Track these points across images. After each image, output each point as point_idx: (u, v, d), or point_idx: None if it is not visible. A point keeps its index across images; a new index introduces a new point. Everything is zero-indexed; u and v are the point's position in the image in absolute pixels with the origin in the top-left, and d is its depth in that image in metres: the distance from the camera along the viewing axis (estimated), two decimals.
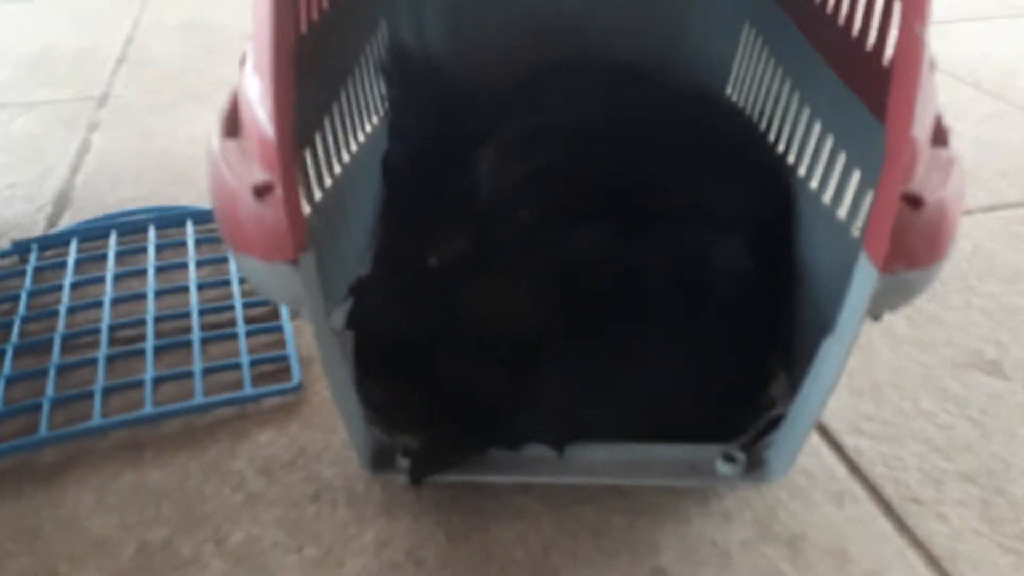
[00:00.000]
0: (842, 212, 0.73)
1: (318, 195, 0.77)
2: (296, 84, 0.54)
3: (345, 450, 0.72)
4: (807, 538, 0.65)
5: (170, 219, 1.01)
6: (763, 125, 0.93)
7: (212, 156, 0.54)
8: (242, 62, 0.56)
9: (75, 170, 1.16)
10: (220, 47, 1.61)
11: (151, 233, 0.99)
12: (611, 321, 0.66)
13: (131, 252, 0.97)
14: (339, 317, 0.74)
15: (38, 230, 1.03)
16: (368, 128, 0.96)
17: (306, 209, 0.74)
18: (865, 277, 0.52)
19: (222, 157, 0.53)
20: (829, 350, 0.57)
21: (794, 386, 0.72)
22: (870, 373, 0.82)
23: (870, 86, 0.70)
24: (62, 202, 1.09)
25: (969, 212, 1.07)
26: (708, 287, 0.69)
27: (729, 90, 1.06)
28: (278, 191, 0.49)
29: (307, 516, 0.67)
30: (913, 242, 0.50)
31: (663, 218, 0.74)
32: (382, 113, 1.01)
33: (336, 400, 0.60)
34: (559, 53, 1.06)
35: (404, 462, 0.64)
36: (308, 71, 0.73)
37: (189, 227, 1.00)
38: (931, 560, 0.64)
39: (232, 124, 0.56)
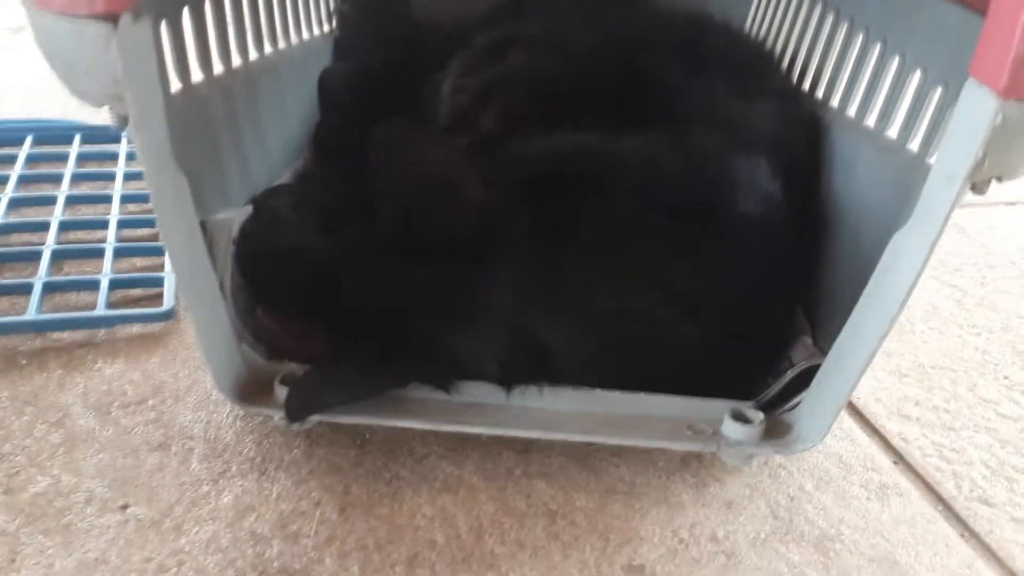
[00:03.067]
0: (893, 131, 0.57)
1: (219, 68, 0.60)
2: None
3: (217, 391, 0.53)
4: (842, 539, 0.47)
5: (55, 132, 0.83)
6: (785, 62, 0.77)
7: None
8: None
9: None
10: None
11: (26, 143, 0.80)
12: (592, 224, 0.48)
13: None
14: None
15: None
16: (305, 35, 0.79)
17: (197, 73, 0.56)
18: (975, 112, 0.35)
19: None
20: (902, 243, 0.40)
21: (823, 349, 0.55)
22: (914, 355, 0.64)
23: None
24: None
25: (1011, 204, 0.91)
26: (726, 201, 0.51)
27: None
28: None
29: (145, 467, 0.47)
30: None
31: (668, 124, 0.57)
32: (326, 28, 0.84)
33: (183, 288, 0.41)
34: None
35: (283, 393, 0.45)
36: None
37: (76, 142, 0.81)
38: None
39: None
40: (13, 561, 0.41)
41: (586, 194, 0.50)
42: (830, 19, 0.70)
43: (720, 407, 0.47)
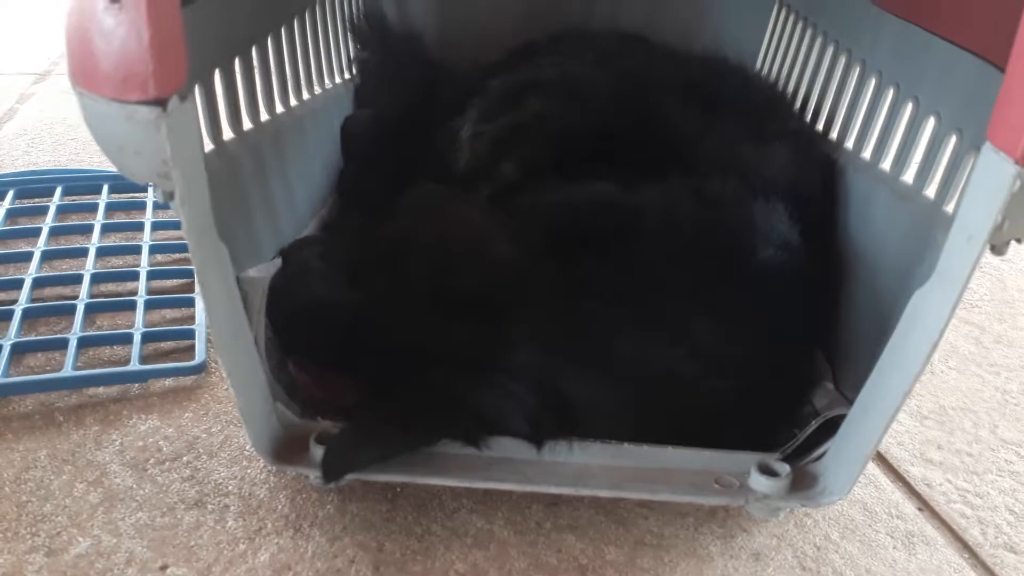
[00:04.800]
0: (908, 176, 0.58)
1: (248, 124, 0.61)
2: None
3: (250, 447, 0.54)
4: None
5: (84, 183, 0.84)
6: (798, 103, 0.78)
7: None
8: None
9: None
10: None
11: (57, 194, 0.82)
12: (616, 279, 0.49)
13: (30, 212, 0.80)
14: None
15: None
16: (327, 84, 0.81)
17: (228, 133, 0.58)
18: (993, 178, 0.36)
19: None
20: (924, 302, 0.41)
21: (846, 394, 0.55)
22: (934, 396, 0.65)
23: (953, 12, 0.55)
24: None
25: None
26: (745, 250, 0.52)
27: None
28: None
29: (183, 525, 0.48)
30: None
31: (685, 171, 0.58)
32: (346, 76, 0.86)
33: (223, 353, 0.42)
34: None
35: (319, 453, 0.46)
36: None
37: (104, 192, 0.83)
38: None
39: None
40: None
41: (608, 248, 0.52)
42: (843, 60, 0.71)
43: (746, 459, 0.48)
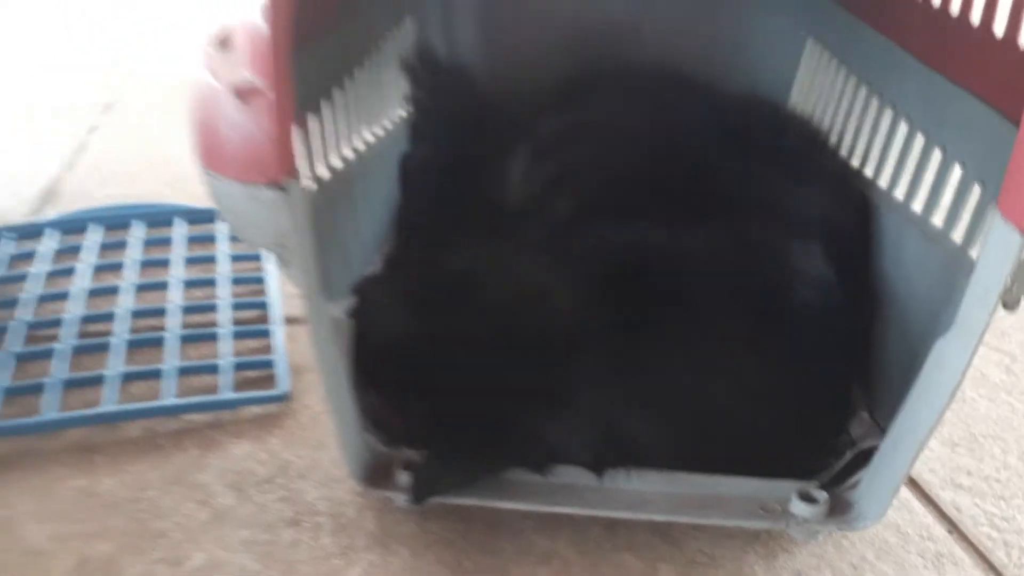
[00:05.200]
0: (938, 219, 0.62)
1: (324, 173, 0.67)
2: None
3: (335, 470, 0.60)
4: None
5: (159, 216, 0.91)
6: (832, 139, 0.83)
7: (197, 65, 0.44)
8: None
9: (68, 167, 1.07)
10: None
11: (136, 228, 0.88)
12: (666, 321, 0.54)
13: (113, 246, 0.86)
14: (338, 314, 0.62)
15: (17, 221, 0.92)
16: (387, 124, 0.86)
17: (306, 181, 0.64)
18: (1003, 245, 0.40)
19: (206, 63, 0.43)
20: (945, 350, 0.45)
21: (880, 423, 0.60)
22: (965, 423, 0.69)
23: (974, 66, 0.60)
24: (47, 197, 0.99)
25: None
26: (784, 291, 0.57)
27: (791, 106, 0.96)
28: (268, 94, 0.39)
29: (283, 542, 0.54)
30: None
31: (727, 214, 0.63)
32: (403, 114, 0.92)
33: (327, 391, 0.48)
34: (601, 67, 0.97)
35: (405, 478, 0.52)
36: (312, 32, 0.64)
37: (179, 224, 0.89)
38: None
39: (223, 39, 0.46)
40: None
41: (659, 292, 0.57)
42: (875, 103, 0.75)
43: (788, 487, 0.53)
